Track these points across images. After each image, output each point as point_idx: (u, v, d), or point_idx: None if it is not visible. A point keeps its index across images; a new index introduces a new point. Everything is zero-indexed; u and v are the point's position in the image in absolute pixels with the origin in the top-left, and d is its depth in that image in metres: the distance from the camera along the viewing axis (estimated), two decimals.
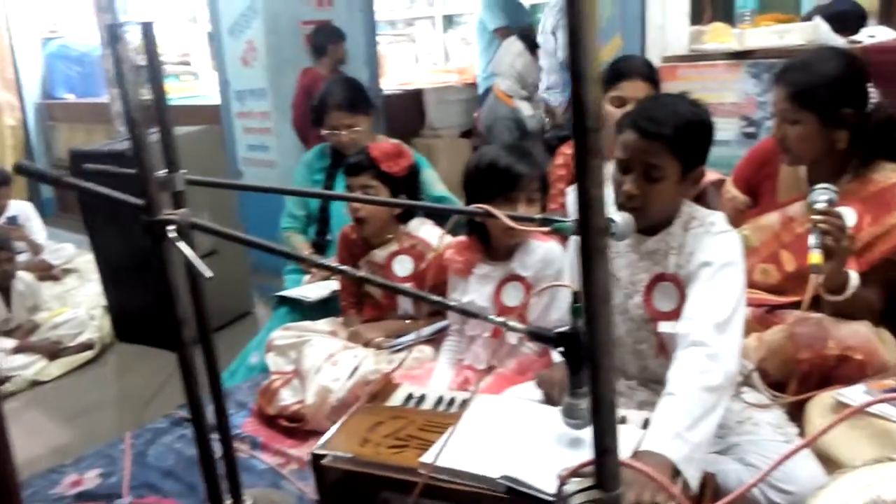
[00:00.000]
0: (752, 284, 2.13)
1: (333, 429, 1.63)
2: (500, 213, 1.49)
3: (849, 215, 1.93)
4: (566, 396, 1.43)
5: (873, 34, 2.95)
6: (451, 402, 1.72)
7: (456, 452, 1.44)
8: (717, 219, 1.74)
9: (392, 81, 6.21)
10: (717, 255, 1.65)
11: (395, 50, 7.16)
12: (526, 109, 4.42)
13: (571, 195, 2.61)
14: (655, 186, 1.65)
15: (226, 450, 1.74)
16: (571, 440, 1.47)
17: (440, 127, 5.53)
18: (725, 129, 3.02)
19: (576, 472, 0.88)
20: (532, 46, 4.31)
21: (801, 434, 1.75)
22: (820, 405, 1.76)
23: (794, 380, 1.85)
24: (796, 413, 1.82)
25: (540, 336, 1.45)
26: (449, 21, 7.60)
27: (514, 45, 4.30)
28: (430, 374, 2.13)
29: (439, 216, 2.42)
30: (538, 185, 1.97)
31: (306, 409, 2.26)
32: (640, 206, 1.66)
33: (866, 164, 2.00)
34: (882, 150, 1.99)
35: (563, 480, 0.86)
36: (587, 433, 1.46)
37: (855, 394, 1.72)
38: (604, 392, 0.80)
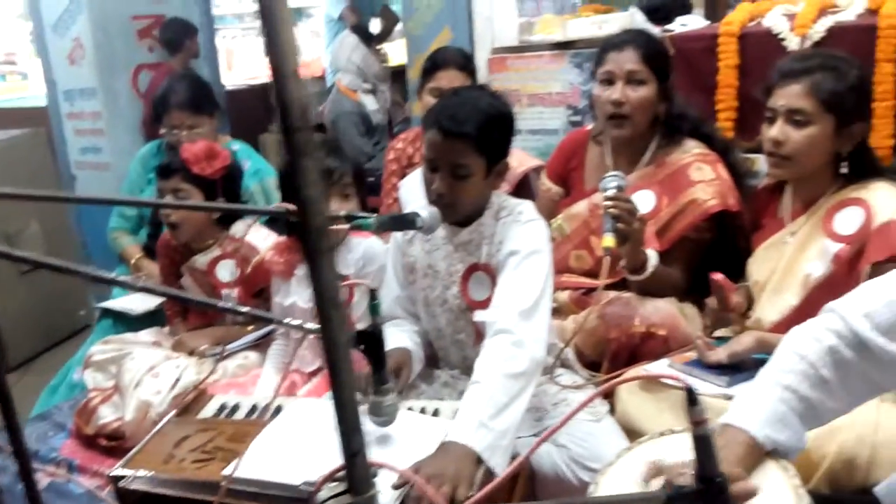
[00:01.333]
0: (568, 269, 2.21)
1: (137, 447, 1.55)
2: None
3: (645, 199, 2.03)
4: (371, 394, 1.42)
5: (686, 23, 3.10)
6: (266, 409, 1.68)
7: (260, 462, 1.40)
8: (525, 208, 1.78)
9: (239, 76, 6.03)
10: (523, 243, 1.69)
11: (244, 44, 6.96)
12: (370, 103, 4.40)
13: (404, 188, 2.60)
14: (463, 184, 1.67)
15: (24, 479, 1.62)
16: (379, 438, 1.46)
17: None
18: (553, 118, 3.10)
19: (331, 477, 0.86)
20: (368, 38, 4.28)
21: (612, 411, 1.82)
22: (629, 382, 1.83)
23: (606, 358, 1.93)
24: (612, 390, 1.89)
25: None
26: (299, 13, 7.46)
27: (348, 38, 4.27)
28: (255, 380, 2.07)
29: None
30: (351, 180, 1.94)
31: (126, 425, 2.14)
32: (449, 202, 1.67)
33: (662, 149, 2.10)
34: (675, 139, 2.10)
35: (317, 487, 0.84)
36: (398, 430, 1.48)
37: (659, 368, 1.81)
38: (344, 394, 0.78)
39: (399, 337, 1.82)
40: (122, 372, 2.21)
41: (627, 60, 2.07)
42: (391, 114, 4.56)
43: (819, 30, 2.53)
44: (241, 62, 6.49)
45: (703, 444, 0.92)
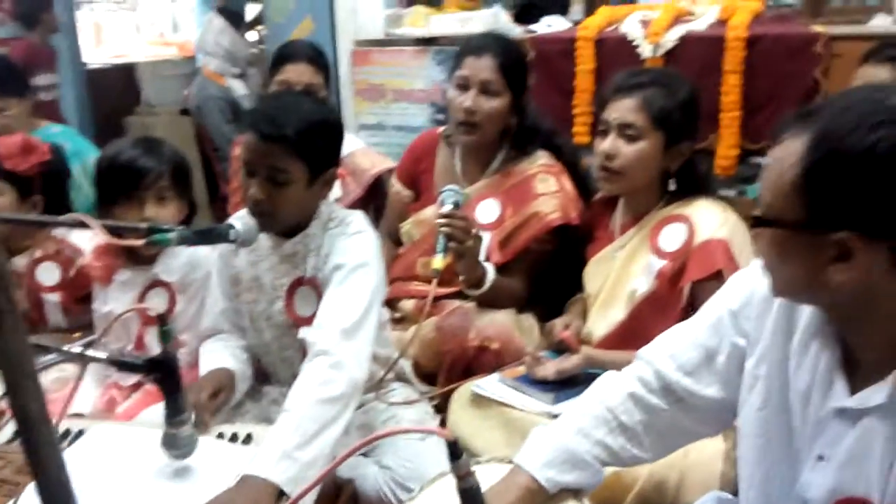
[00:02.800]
0: (415, 277, 2.16)
1: None
2: (96, 223, 1.33)
3: (490, 209, 2.00)
4: (165, 426, 1.32)
5: (551, 24, 3.09)
6: (66, 434, 1.55)
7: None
8: (355, 218, 1.71)
9: (106, 54, 5.69)
10: (350, 256, 1.61)
11: (114, 19, 6.56)
12: (239, 89, 4.22)
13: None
14: (282, 191, 1.57)
15: None
16: (177, 471, 1.37)
17: (157, 104, 5.15)
18: (416, 115, 3.05)
19: None
20: (237, 21, 4.10)
21: (443, 425, 1.78)
22: (460, 397, 1.81)
23: (442, 372, 1.89)
24: (445, 406, 1.86)
25: (127, 364, 1.33)
26: None
27: (214, 21, 4.08)
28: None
29: None
30: (169, 182, 1.81)
31: None
32: (268, 210, 1.58)
33: (511, 159, 2.08)
34: (523, 148, 2.08)
35: None
36: (198, 460, 1.38)
37: (489, 383, 1.79)
38: (48, 470, 0.69)
39: (221, 356, 1.71)
40: None
41: (484, 69, 2.02)
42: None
43: (671, 38, 2.57)
44: (110, 38, 6.12)
45: (471, 496, 0.88)
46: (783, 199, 0.90)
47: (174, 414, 1.30)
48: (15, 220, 2.05)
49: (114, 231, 1.39)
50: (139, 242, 1.37)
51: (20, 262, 2.14)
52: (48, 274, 2.13)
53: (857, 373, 0.97)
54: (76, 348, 1.26)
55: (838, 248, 0.87)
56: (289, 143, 1.54)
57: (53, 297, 2.12)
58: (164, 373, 1.28)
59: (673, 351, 1.16)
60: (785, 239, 0.92)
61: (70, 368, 2.05)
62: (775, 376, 1.04)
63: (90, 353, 1.28)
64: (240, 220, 1.55)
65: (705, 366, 1.13)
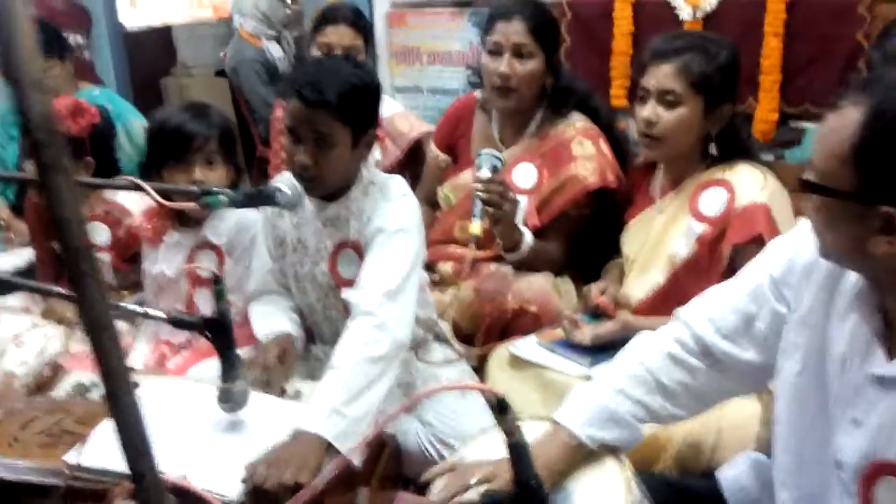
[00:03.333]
0: (452, 240, 2.19)
1: None
2: (148, 187, 1.39)
3: (527, 172, 2.02)
4: (220, 382, 1.38)
5: None
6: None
7: (103, 448, 1.35)
8: (396, 183, 1.74)
9: (143, 16, 5.72)
10: (391, 220, 1.65)
11: None
12: (275, 51, 4.22)
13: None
14: (327, 154, 1.61)
15: None
16: (231, 424, 1.43)
17: (193, 65, 5.19)
18: (451, 78, 3.05)
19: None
20: None
21: None
22: (498, 358, 1.85)
23: (480, 333, 1.93)
24: (483, 366, 1.90)
25: (184, 322, 1.39)
26: None
27: None
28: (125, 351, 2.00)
29: None
30: (217, 147, 1.86)
31: None
32: (315, 175, 1.62)
33: (547, 121, 2.09)
34: (559, 109, 2.09)
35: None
36: (249, 415, 1.45)
37: (527, 345, 1.82)
38: (127, 417, 0.74)
39: (279, 320, 1.77)
40: None
41: (514, 32, 2.02)
42: (298, 61, 4.40)
43: (711, 2, 2.54)
44: (144, 1, 6.15)
45: (518, 451, 0.93)
46: (834, 168, 0.91)
47: (228, 369, 1.36)
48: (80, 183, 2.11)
49: (165, 194, 1.44)
50: (191, 204, 1.42)
51: None
52: (98, 234, 2.20)
53: None
54: (134, 307, 1.31)
55: (883, 221, 0.89)
56: (331, 107, 1.58)
57: (104, 257, 2.19)
58: (218, 331, 1.34)
59: (712, 314, 1.18)
60: (832, 206, 0.94)
61: (123, 325, 2.13)
62: (814, 342, 1.07)
63: (150, 310, 1.35)
64: (285, 183, 1.59)
65: (744, 331, 1.15)
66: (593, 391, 1.20)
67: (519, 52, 2.01)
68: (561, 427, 1.16)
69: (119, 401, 0.75)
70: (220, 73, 5.25)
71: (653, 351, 1.21)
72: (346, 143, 1.62)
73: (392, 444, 1.67)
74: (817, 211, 0.97)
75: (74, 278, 0.70)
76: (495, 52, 2.04)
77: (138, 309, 1.33)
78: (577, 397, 1.21)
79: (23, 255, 2.49)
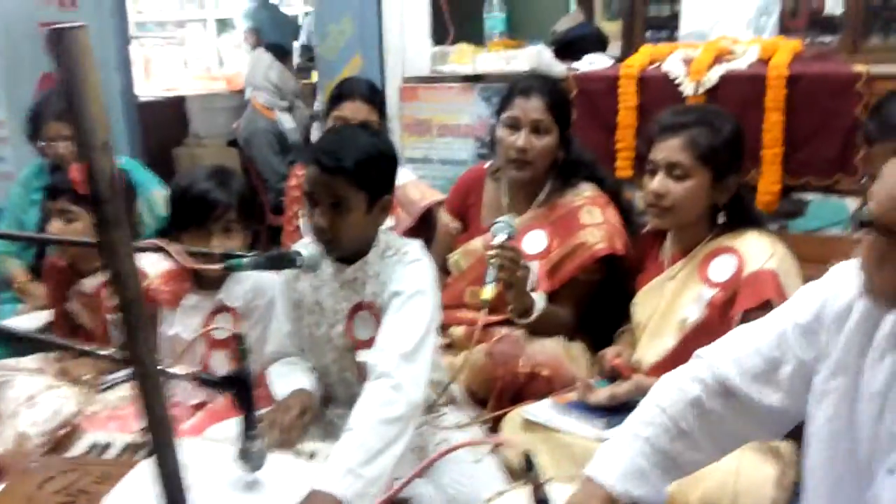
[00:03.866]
0: (463, 305, 2.23)
1: None
2: (172, 249, 1.43)
3: (537, 239, 2.06)
4: (239, 441, 1.40)
5: (593, 62, 3.18)
6: (138, 447, 1.63)
7: None
8: (412, 248, 1.78)
9: (156, 87, 5.89)
10: (407, 284, 1.69)
11: (163, 53, 6.80)
12: (287, 122, 4.36)
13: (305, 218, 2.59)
14: (344, 218, 1.66)
15: None
16: (248, 484, 1.43)
17: (205, 136, 5.31)
18: (461, 149, 3.14)
19: None
20: (283, 55, 4.25)
21: (494, 450, 1.83)
22: (511, 421, 1.86)
23: (492, 397, 1.94)
24: (495, 430, 1.91)
25: (207, 381, 1.41)
26: (223, 25, 7.35)
27: (262, 56, 4.23)
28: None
29: None
30: (236, 216, 1.92)
31: (2, 458, 2.05)
32: (331, 238, 1.67)
33: (556, 191, 2.15)
34: (568, 179, 2.16)
35: None
36: (266, 475, 1.45)
37: (540, 408, 1.84)
38: (168, 466, 0.77)
39: (298, 378, 1.79)
40: (0, 401, 2.12)
41: (533, 109, 2.11)
42: (308, 131, 4.52)
43: (713, 77, 2.64)
44: (159, 72, 6.34)
45: None
46: (891, 208, 0.96)
47: (248, 428, 1.37)
48: (95, 245, 2.15)
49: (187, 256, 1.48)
50: (217, 267, 1.46)
51: (90, 283, 2.25)
52: (113, 297, 2.23)
53: None
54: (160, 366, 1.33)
55: None
56: (348, 173, 1.64)
57: (118, 319, 2.22)
58: (240, 389, 1.36)
59: (736, 355, 1.20)
60: (886, 246, 0.98)
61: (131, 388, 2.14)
62: (848, 386, 1.08)
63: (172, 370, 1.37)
64: (304, 247, 1.64)
65: (768, 375, 1.17)
66: (620, 444, 1.20)
67: (537, 128, 2.10)
68: (594, 483, 1.15)
69: (163, 449, 0.78)
70: (232, 143, 5.39)
71: (674, 394, 1.22)
72: (362, 208, 1.68)
73: None
74: (870, 251, 1.00)
75: (128, 330, 0.74)
76: (513, 126, 2.13)
77: (181, 373, 1.35)
78: (607, 452, 1.21)
79: (38, 318, 2.52)
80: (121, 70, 4.68)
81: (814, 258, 1.75)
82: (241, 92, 5.55)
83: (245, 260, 1.47)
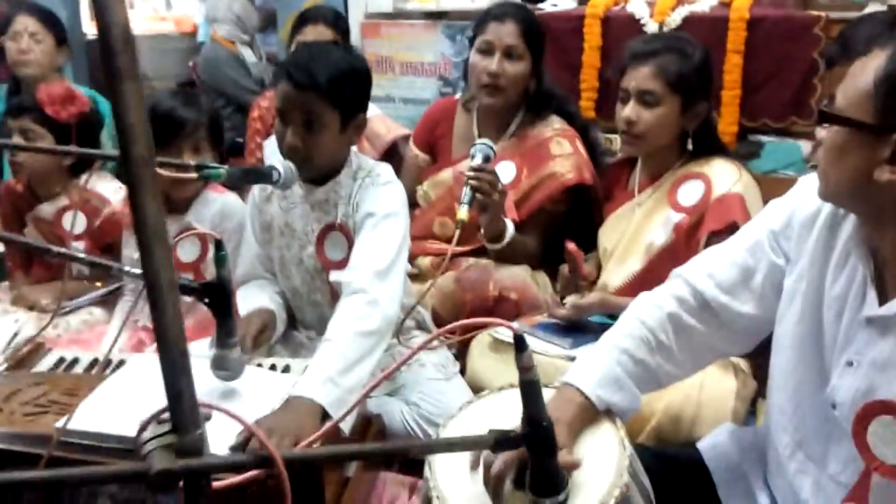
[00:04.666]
0: (431, 236, 2.24)
1: None
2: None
3: (507, 170, 2.08)
4: (215, 349, 1.39)
5: (556, 3, 3.18)
6: (108, 364, 1.61)
7: (95, 414, 1.35)
8: (383, 170, 1.78)
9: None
10: (380, 205, 1.69)
11: None
12: (249, 56, 4.25)
13: (269, 148, 2.55)
14: (316, 137, 1.64)
15: None
16: (224, 392, 1.43)
17: (154, 77, 5.16)
18: (423, 88, 3.12)
19: (157, 418, 0.84)
20: None
21: (463, 371, 1.87)
22: (479, 343, 1.89)
23: (461, 320, 1.97)
24: (464, 351, 1.94)
25: (183, 288, 1.39)
26: None
27: None
28: (100, 337, 1.98)
29: None
30: (206, 134, 1.88)
31: None
32: (304, 157, 1.64)
33: (527, 122, 2.17)
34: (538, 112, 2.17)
35: (142, 426, 0.81)
36: (243, 384, 1.46)
37: (507, 329, 1.86)
38: (171, 334, 0.76)
39: (261, 297, 1.79)
40: None
41: (507, 34, 2.10)
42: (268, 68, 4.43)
43: (676, 18, 2.68)
44: None
45: (531, 389, 0.96)
46: (856, 101, 0.99)
47: (225, 336, 1.37)
48: (59, 152, 2.09)
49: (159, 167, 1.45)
50: (192, 175, 1.44)
51: (48, 209, 2.19)
52: (74, 222, 2.18)
53: (888, 286, 1.06)
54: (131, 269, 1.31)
55: (893, 149, 0.96)
56: (321, 90, 1.60)
57: (79, 245, 2.18)
58: (218, 297, 1.35)
59: (711, 270, 1.23)
60: (847, 138, 1.01)
61: (97, 312, 2.11)
62: (812, 290, 1.13)
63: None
64: (281, 164, 1.61)
65: (742, 284, 1.21)
66: (599, 353, 1.22)
67: (510, 53, 2.09)
68: (571, 388, 1.17)
69: (164, 308, 0.77)
70: (183, 85, 5.24)
71: (652, 309, 1.25)
72: (335, 127, 1.65)
73: (377, 423, 1.69)
74: (830, 147, 1.03)
75: (132, 186, 0.72)
76: (486, 51, 2.11)
77: (134, 270, 1.33)
78: (585, 360, 1.23)
79: None
80: (68, 9, 4.51)
81: (768, 199, 1.81)
82: (192, 34, 5.40)
83: (221, 170, 1.45)
